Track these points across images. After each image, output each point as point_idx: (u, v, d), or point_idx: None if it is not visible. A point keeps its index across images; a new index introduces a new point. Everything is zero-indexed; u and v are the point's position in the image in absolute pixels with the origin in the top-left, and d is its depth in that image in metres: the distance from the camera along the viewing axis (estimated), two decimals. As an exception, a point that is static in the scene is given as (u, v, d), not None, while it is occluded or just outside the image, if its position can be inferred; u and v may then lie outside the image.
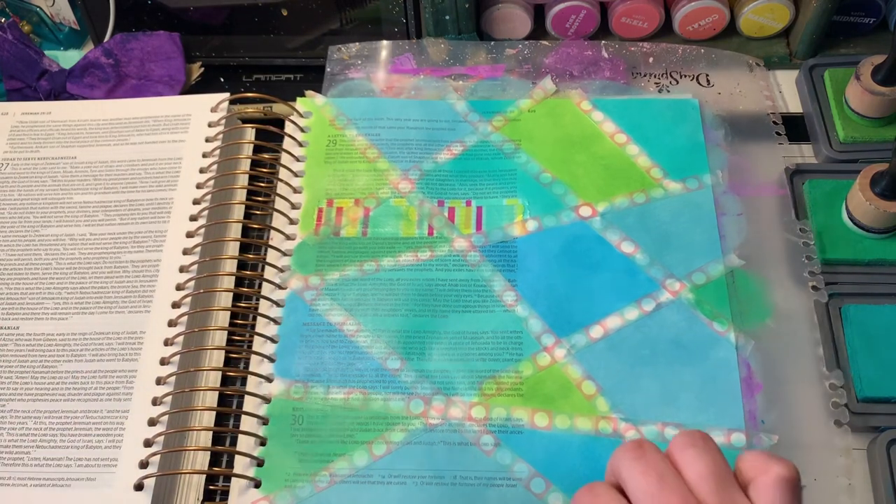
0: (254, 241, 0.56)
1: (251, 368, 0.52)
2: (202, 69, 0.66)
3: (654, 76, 0.63)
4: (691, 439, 0.34)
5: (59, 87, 0.64)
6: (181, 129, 0.60)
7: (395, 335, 0.52)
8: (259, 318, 0.53)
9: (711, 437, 0.35)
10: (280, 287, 0.54)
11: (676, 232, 0.55)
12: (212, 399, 0.51)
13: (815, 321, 0.52)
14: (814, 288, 0.53)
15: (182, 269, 0.54)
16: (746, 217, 0.56)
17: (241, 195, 0.58)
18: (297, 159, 0.59)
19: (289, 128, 0.61)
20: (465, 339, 0.52)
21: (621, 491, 0.34)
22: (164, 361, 0.51)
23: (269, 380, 0.51)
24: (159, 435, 0.49)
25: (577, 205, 0.57)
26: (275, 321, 0.53)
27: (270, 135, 0.60)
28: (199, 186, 0.57)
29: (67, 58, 0.68)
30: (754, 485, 0.33)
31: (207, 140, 0.59)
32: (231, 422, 0.51)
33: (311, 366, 0.52)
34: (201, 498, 0.48)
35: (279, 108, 0.61)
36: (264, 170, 0.60)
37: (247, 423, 0.50)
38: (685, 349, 0.51)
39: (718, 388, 0.50)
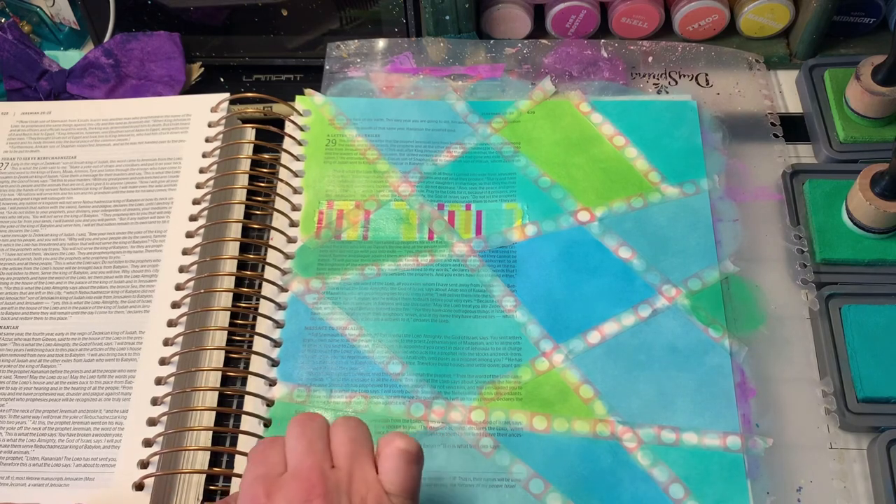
0: (254, 242, 0.56)
1: (252, 368, 0.52)
2: (202, 69, 0.66)
3: (654, 76, 0.63)
4: (345, 418, 0.42)
5: (59, 87, 0.64)
6: (181, 129, 0.60)
7: (397, 339, 0.52)
8: (260, 319, 0.53)
9: (364, 423, 0.42)
10: (282, 289, 0.54)
11: (673, 237, 0.55)
12: (212, 399, 0.51)
13: (809, 327, 0.52)
14: (807, 295, 0.53)
15: (182, 269, 0.54)
16: (742, 223, 0.56)
17: (241, 195, 0.58)
18: (297, 158, 0.59)
19: (288, 127, 0.61)
20: (464, 343, 0.52)
21: None
22: (163, 361, 0.51)
23: (272, 383, 0.51)
24: (159, 435, 0.49)
25: (575, 209, 0.57)
26: (277, 323, 0.53)
27: (270, 135, 0.60)
28: (199, 186, 0.58)
29: (67, 58, 0.68)
30: (381, 454, 0.40)
31: (207, 140, 0.59)
32: (231, 422, 0.51)
33: (313, 370, 0.52)
34: (201, 498, 0.49)
35: (279, 108, 0.61)
36: (264, 170, 0.60)
37: (248, 424, 0.50)
38: (681, 355, 0.51)
39: (713, 392, 0.50)
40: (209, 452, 0.50)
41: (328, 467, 0.39)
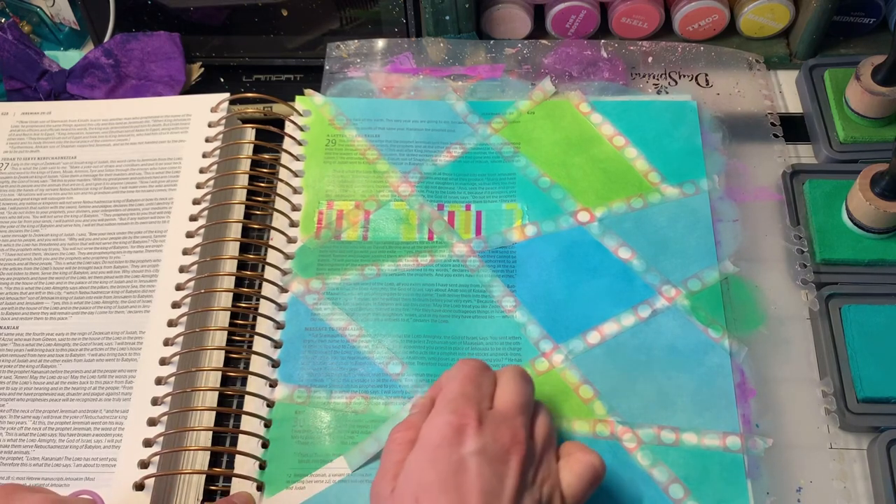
0: (254, 242, 0.56)
1: (252, 369, 0.52)
2: (202, 69, 0.66)
3: (653, 77, 0.63)
4: (548, 409, 0.44)
5: (59, 88, 0.64)
6: (181, 129, 0.60)
7: (396, 340, 0.52)
8: (261, 319, 0.53)
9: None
10: (282, 290, 0.54)
11: (673, 238, 0.55)
12: (212, 399, 0.51)
13: (809, 327, 0.52)
14: (807, 295, 0.53)
15: (182, 269, 0.54)
16: (742, 223, 0.56)
17: (241, 195, 0.58)
18: (297, 158, 0.59)
19: (288, 128, 0.61)
20: (464, 344, 0.52)
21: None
22: (163, 361, 0.51)
23: (272, 384, 0.51)
24: (159, 435, 0.49)
25: (575, 210, 0.57)
26: (278, 324, 0.53)
27: (270, 135, 0.60)
28: (199, 186, 0.58)
29: (67, 58, 0.68)
30: (571, 456, 0.42)
31: (207, 140, 0.59)
32: (231, 422, 0.51)
33: (314, 371, 0.52)
34: (201, 498, 0.49)
35: (279, 108, 0.61)
36: (264, 170, 0.60)
37: (248, 424, 0.50)
38: (680, 355, 0.51)
39: (713, 392, 0.50)
40: (209, 452, 0.50)
41: (530, 435, 0.41)
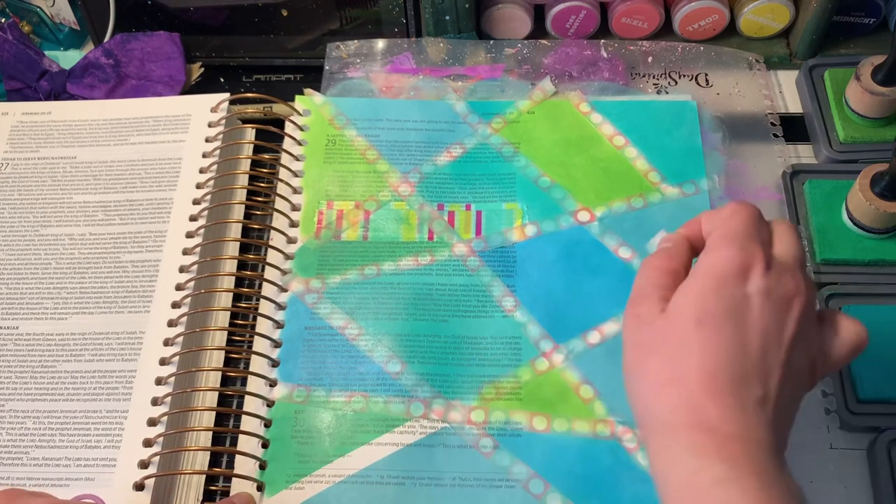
0: (254, 242, 0.56)
1: (252, 369, 0.52)
2: (202, 69, 0.66)
3: (653, 76, 0.63)
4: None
5: (59, 88, 0.64)
6: (181, 129, 0.60)
7: (396, 339, 0.52)
8: (261, 319, 0.53)
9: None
10: (282, 289, 0.54)
11: (673, 238, 0.55)
12: (212, 399, 0.51)
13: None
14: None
15: (182, 269, 0.54)
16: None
17: (241, 195, 0.58)
18: (297, 158, 0.59)
19: (288, 128, 0.61)
20: (464, 343, 0.52)
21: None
22: (163, 361, 0.51)
23: (272, 384, 0.51)
24: (159, 435, 0.49)
25: (575, 209, 0.57)
26: (277, 324, 0.53)
27: (270, 135, 0.60)
28: (199, 186, 0.58)
29: (67, 58, 0.68)
30: (836, 322, 0.40)
31: (207, 140, 0.59)
32: (231, 422, 0.51)
33: (313, 370, 0.52)
34: (201, 498, 0.49)
35: (279, 108, 0.61)
36: (264, 170, 0.60)
37: (248, 424, 0.50)
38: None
39: (713, 393, 0.50)
40: (209, 452, 0.50)
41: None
